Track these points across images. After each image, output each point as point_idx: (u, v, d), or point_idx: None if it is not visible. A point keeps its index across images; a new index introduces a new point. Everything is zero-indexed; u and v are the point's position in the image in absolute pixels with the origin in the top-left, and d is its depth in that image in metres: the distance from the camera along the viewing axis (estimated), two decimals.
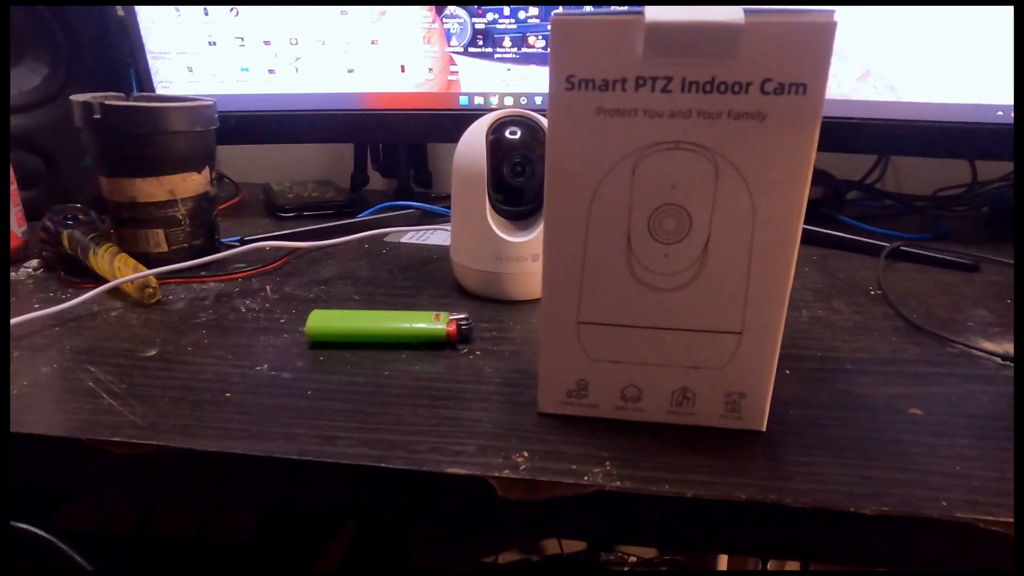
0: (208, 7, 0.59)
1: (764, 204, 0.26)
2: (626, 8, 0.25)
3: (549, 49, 0.26)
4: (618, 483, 0.26)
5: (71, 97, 0.47)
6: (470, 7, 0.59)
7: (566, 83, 0.26)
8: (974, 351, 0.38)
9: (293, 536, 0.57)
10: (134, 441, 0.29)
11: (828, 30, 0.24)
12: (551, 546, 0.97)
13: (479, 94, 0.62)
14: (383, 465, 0.27)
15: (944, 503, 0.25)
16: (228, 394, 0.33)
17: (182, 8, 0.59)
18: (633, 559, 0.91)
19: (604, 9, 0.26)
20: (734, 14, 0.24)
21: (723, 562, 0.88)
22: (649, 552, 0.92)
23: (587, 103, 0.26)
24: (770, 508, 0.25)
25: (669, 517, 0.26)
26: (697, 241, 0.27)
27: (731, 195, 0.26)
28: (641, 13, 0.25)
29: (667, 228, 0.27)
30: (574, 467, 0.27)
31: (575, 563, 0.91)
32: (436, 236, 0.60)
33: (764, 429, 0.30)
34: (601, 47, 0.25)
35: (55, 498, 0.57)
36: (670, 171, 0.26)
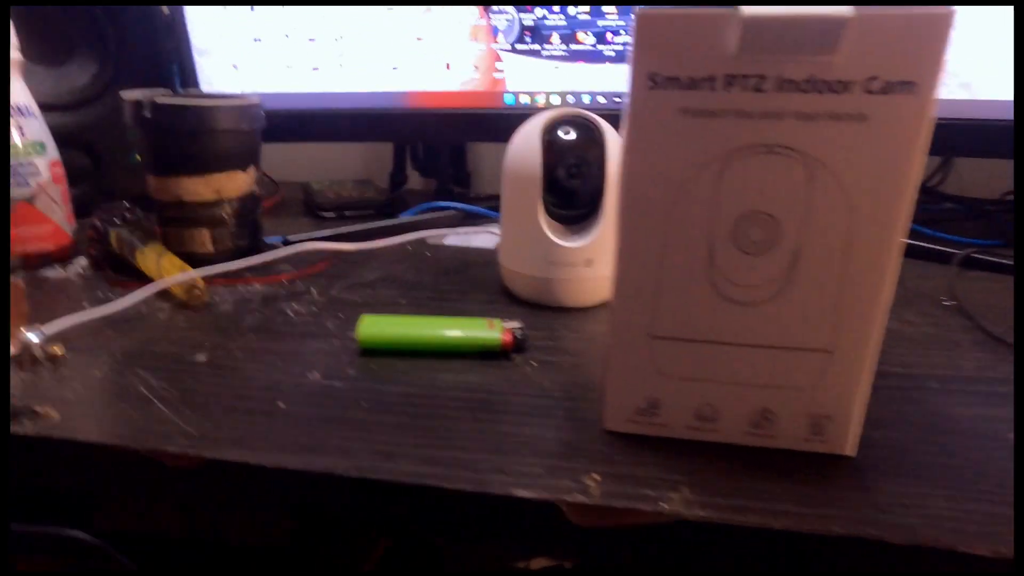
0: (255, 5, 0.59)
1: (862, 213, 0.24)
2: (714, 7, 0.23)
3: (631, 46, 0.24)
4: (699, 512, 0.24)
5: (121, 93, 0.46)
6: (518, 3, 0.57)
7: (648, 82, 0.24)
8: None
9: (333, 539, 0.57)
10: (188, 453, 0.28)
11: (944, 23, 0.22)
12: None
13: (525, 92, 0.61)
14: (447, 486, 0.26)
15: None
16: (281, 403, 0.32)
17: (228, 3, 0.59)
18: None
19: (689, 8, 0.25)
20: (838, 6, 0.22)
21: None
22: None
23: (671, 103, 0.24)
24: (867, 544, 0.23)
25: (753, 550, 0.24)
26: (786, 252, 0.25)
27: (826, 203, 0.24)
28: (734, 6, 0.23)
29: (754, 237, 0.25)
30: (649, 492, 0.25)
31: (611, 571, 0.89)
32: (479, 238, 0.59)
33: (853, 454, 0.28)
34: (689, 44, 0.23)
35: (96, 499, 0.57)
36: (760, 176, 0.24)
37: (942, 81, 0.22)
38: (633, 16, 0.24)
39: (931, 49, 0.22)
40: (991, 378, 0.34)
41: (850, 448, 0.28)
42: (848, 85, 0.23)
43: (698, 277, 0.26)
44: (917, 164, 0.24)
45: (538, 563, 1.01)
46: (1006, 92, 0.53)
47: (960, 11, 0.51)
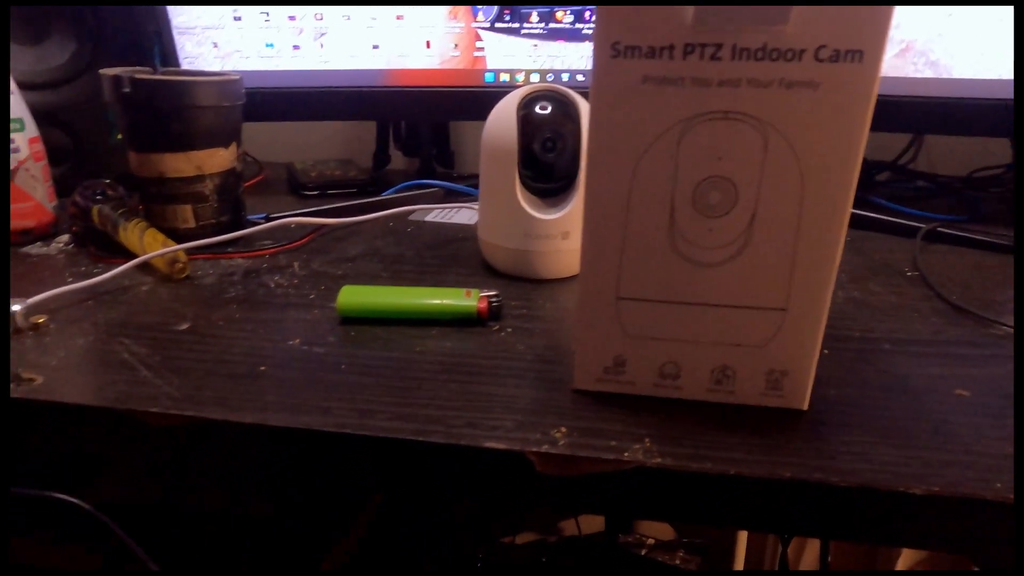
0: None
1: (814, 177, 0.26)
2: None
3: (595, 15, 0.25)
4: (658, 459, 0.26)
5: (100, 71, 0.47)
6: None
7: (611, 50, 0.25)
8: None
9: (317, 512, 0.58)
10: (172, 412, 0.29)
11: None
12: (569, 527, 0.97)
13: (505, 71, 0.62)
14: (422, 439, 0.27)
15: (999, 484, 0.24)
16: (263, 367, 0.33)
17: None
18: (651, 541, 0.91)
19: None
20: None
21: (743, 537, 0.88)
22: (668, 534, 0.92)
23: (633, 71, 0.25)
24: (816, 487, 0.25)
25: (710, 495, 0.26)
26: (743, 215, 0.26)
27: (780, 167, 0.26)
28: None
29: (712, 201, 0.26)
30: (613, 443, 0.27)
31: (593, 544, 0.91)
32: (461, 215, 0.60)
33: (806, 408, 0.29)
34: (649, 13, 0.24)
35: (86, 472, 0.58)
36: (717, 142, 0.26)
37: (886, 50, 0.24)
38: None
39: (876, 19, 0.23)
40: (944, 340, 0.36)
41: (805, 402, 0.29)
42: (800, 54, 0.24)
43: (660, 240, 0.27)
44: (864, 129, 0.25)
45: (524, 538, 1.03)
46: (973, 71, 0.54)
47: None
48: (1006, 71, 0.54)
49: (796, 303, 0.27)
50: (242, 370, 0.32)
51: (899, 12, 0.54)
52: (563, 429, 0.28)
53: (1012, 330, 0.37)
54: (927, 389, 0.31)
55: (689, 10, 0.24)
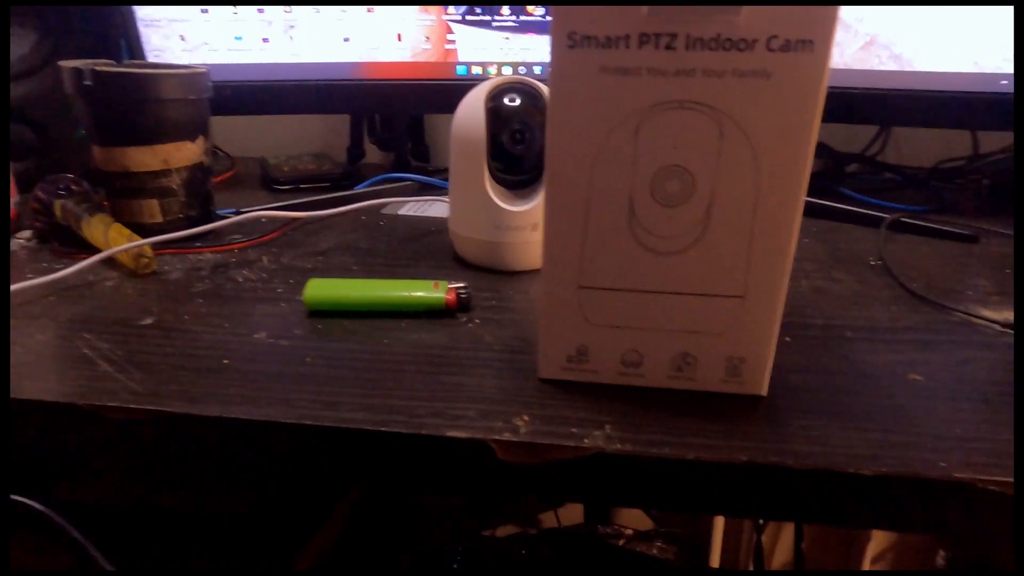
0: None
1: (768, 165, 0.26)
2: None
3: (551, 6, 0.25)
4: (618, 445, 0.26)
5: (59, 63, 0.46)
6: None
7: (568, 40, 0.25)
8: (974, 319, 0.38)
9: (292, 509, 0.58)
10: (132, 406, 0.29)
11: None
12: (548, 519, 0.98)
13: (477, 63, 0.61)
14: (383, 429, 0.27)
15: (943, 464, 0.25)
16: (226, 361, 0.32)
17: None
18: (630, 532, 0.92)
19: None
20: None
21: (719, 527, 0.89)
22: (645, 524, 0.93)
23: (589, 61, 0.25)
24: (770, 470, 0.25)
25: (669, 479, 0.26)
26: (700, 203, 0.27)
27: (735, 156, 0.26)
28: None
29: (670, 190, 0.27)
30: (574, 430, 0.27)
31: (572, 535, 0.92)
32: (434, 208, 0.60)
33: (765, 393, 0.30)
34: (604, 3, 0.24)
35: (55, 472, 0.57)
36: (674, 131, 0.26)
37: (839, 54, 0.24)
38: None
39: (825, 11, 0.24)
40: (902, 327, 0.37)
41: (764, 388, 0.30)
42: (752, 43, 0.24)
43: (620, 229, 0.28)
44: (816, 117, 0.25)
45: (505, 531, 1.03)
46: (936, 64, 0.55)
47: None
48: (966, 65, 0.55)
49: (753, 291, 0.28)
50: (206, 364, 0.32)
51: (862, 7, 0.55)
52: (525, 417, 0.28)
53: (966, 316, 0.38)
54: (883, 374, 0.32)
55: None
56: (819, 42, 0.24)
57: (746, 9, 0.24)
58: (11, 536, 0.47)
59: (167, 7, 0.59)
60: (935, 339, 0.36)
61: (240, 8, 0.59)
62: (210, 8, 0.59)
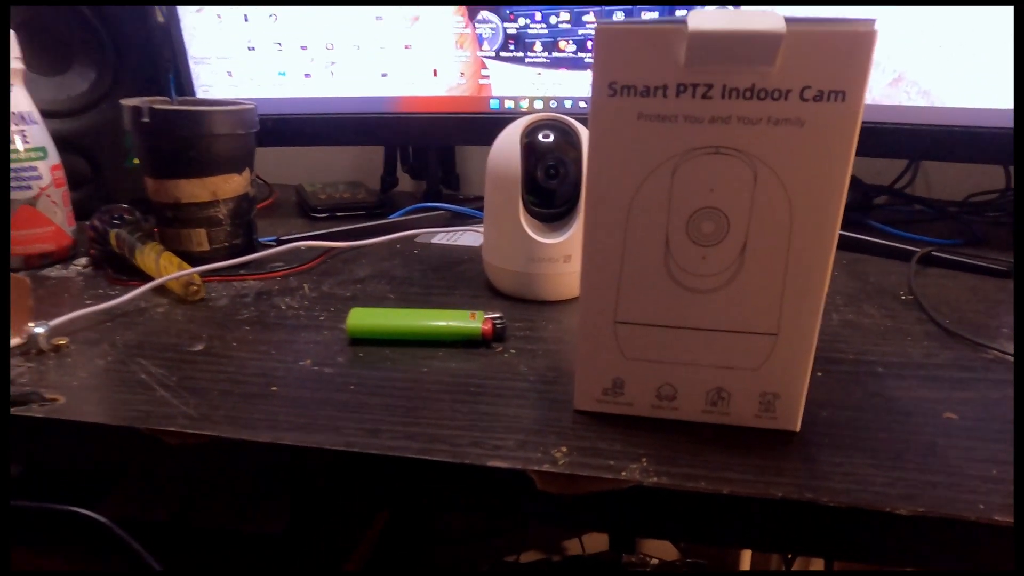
0: (247, 10, 0.61)
1: (801, 209, 0.27)
2: (668, 18, 0.26)
3: (592, 56, 0.27)
4: (655, 479, 0.27)
5: (121, 101, 0.49)
6: (501, 10, 0.60)
7: (608, 90, 0.27)
8: (1008, 357, 0.38)
9: (325, 530, 0.59)
10: (188, 431, 0.30)
11: (868, 39, 0.25)
12: (573, 546, 0.97)
13: (510, 98, 0.63)
14: (426, 457, 0.28)
15: (982, 506, 0.25)
16: (274, 388, 0.34)
17: (223, 14, 0.61)
18: (655, 561, 0.91)
19: (645, 19, 0.27)
20: (775, 22, 0.25)
21: (746, 559, 0.87)
22: (671, 554, 0.92)
23: (629, 109, 0.27)
24: (804, 506, 0.26)
25: (702, 513, 0.27)
26: (735, 244, 0.28)
27: (769, 199, 0.27)
28: (683, 22, 0.25)
29: (705, 231, 0.28)
30: (611, 463, 0.28)
31: (597, 563, 0.91)
32: (466, 237, 0.61)
33: (798, 430, 0.30)
34: (643, 55, 0.26)
35: (98, 488, 0.59)
36: (709, 175, 0.27)
37: (868, 90, 0.25)
38: (594, 30, 0.26)
39: (857, 61, 0.25)
40: (935, 364, 0.37)
41: (797, 424, 0.30)
42: (786, 93, 0.26)
43: (657, 267, 0.29)
44: (848, 164, 0.26)
45: (528, 557, 1.03)
46: (964, 99, 0.56)
47: (919, 21, 0.54)
48: (996, 101, 0.55)
49: (787, 328, 0.29)
50: (255, 390, 0.34)
51: (890, 44, 0.56)
52: (563, 448, 0.29)
53: (1002, 354, 0.38)
54: (917, 411, 0.32)
55: (681, 52, 0.25)
56: (851, 92, 0.25)
57: (780, 60, 0.25)
58: (57, 546, 0.48)
59: (216, 42, 0.62)
60: (969, 377, 0.36)
61: (284, 45, 0.62)
62: (256, 45, 0.62)
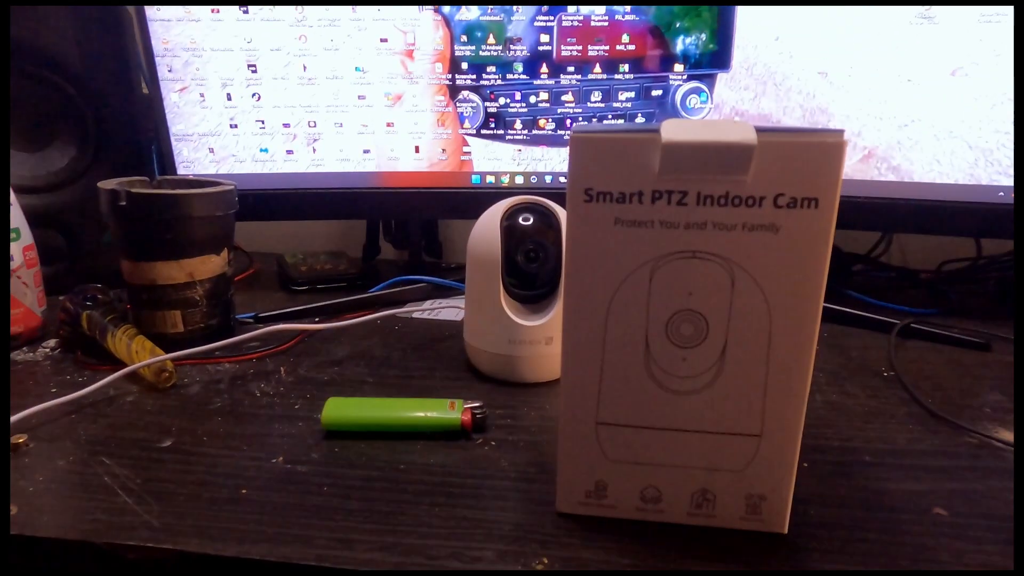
0: (231, 90, 0.62)
1: (780, 312, 0.27)
2: (642, 125, 0.27)
3: (568, 163, 0.27)
4: None
5: (98, 184, 0.48)
6: (482, 90, 0.61)
7: (584, 195, 0.27)
8: (993, 442, 0.38)
9: None
10: (149, 545, 0.28)
11: (838, 149, 0.25)
12: None
13: (491, 173, 0.64)
14: (403, 571, 0.27)
15: None
16: (244, 491, 0.32)
17: (206, 94, 0.62)
18: None
19: (621, 126, 0.27)
20: (747, 133, 0.25)
21: None
22: None
23: (605, 214, 0.27)
24: None
25: None
26: (715, 346, 0.28)
27: (747, 303, 0.27)
28: (657, 131, 0.26)
29: (685, 333, 0.28)
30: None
31: None
32: (446, 312, 0.61)
33: (786, 531, 0.29)
34: (618, 163, 0.26)
35: None
36: (687, 279, 0.27)
37: (838, 198, 0.25)
38: (568, 137, 0.27)
39: (828, 170, 0.25)
40: (921, 451, 0.37)
41: (785, 526, 0.29)
42: (760, 200, 0.26)
43: (637, 368, 0.28)
44: (824, 267, 0.26)
45: None
46: (934, 175, 0.57)
47: (887, 97, 0.56)
48: (961, 177, 0.57)
49: (771, 429, 0.28)
50: (224, 493, 0.32)
51: (857, 124, 0.58)
52: (545, 560, 0.28)
53: (985, 439, 0.38)
54: (905, 507, 0.31)
55: (656, 160, 0.26)
56: (824, 199, 0.26)
57: (753, 169, 0.26)
58: None
59: (199, 120, 0.63)
60: (955, 465, 0.35)
61: (267, 123, 0.63)
62: (239, 123, 0.63)
